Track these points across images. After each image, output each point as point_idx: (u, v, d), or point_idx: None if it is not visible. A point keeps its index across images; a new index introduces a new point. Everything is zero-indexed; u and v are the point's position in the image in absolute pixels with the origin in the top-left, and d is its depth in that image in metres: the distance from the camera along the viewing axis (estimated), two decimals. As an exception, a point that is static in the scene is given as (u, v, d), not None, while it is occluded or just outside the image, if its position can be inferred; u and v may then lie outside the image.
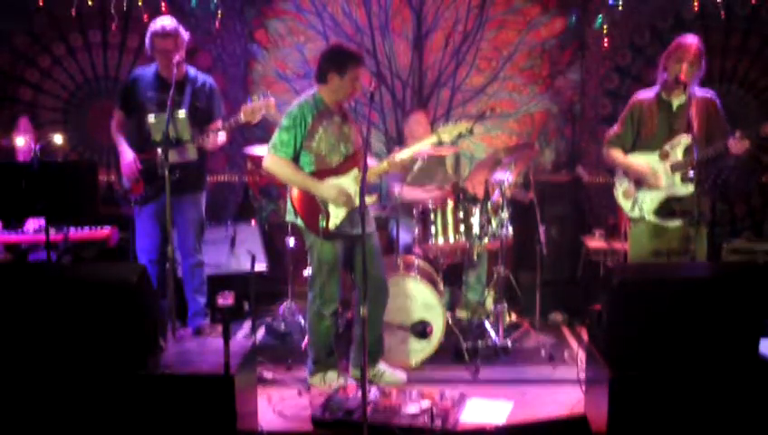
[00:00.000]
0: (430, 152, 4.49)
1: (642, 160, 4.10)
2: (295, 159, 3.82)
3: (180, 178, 4.10)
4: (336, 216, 3.82)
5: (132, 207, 4.53)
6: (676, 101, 4.06)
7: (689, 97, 3.85)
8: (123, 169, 4.40)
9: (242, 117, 4.22)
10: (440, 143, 3.98)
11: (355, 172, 3.83)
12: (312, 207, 3.81)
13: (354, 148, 3.91)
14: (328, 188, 3.78)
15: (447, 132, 3.94)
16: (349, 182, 3.83)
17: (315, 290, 3.92)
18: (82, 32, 5.89)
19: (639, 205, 4.10)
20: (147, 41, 4.34)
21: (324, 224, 3.79)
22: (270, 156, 3.82)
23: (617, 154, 4.21)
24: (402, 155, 3.96)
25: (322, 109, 3.82)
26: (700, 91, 4.03)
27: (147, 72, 4.51)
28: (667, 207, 4.03)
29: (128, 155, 4.39)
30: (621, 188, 4.22)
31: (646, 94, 4.19)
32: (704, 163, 3.85)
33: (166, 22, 4.31)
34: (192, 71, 4.49)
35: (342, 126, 3.88)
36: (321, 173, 3.82)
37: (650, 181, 4.05)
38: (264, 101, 4.24)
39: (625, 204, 4.19)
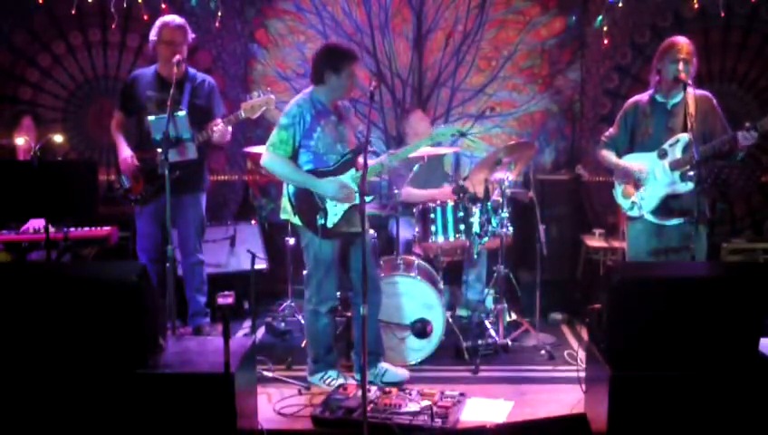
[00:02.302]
0: (430, 153, 4.51)
1: (640, 160, 4.10)
2: (294, 157, 3.83)
3: (180, 177, 4.10)
4: (335, 214, 3.82)
5: (132, 207, 4.53)
6: (671, 101, 4.05)
7: (686, 95, 3.85)
8: (120, 164, 4.41)
9: (242, 113, 4.24)
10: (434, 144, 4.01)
11: (352, 172, 3.84)
12: (311, 206, 3.81)
13: (350, 147, 3.91)
14: (328, 183, 3.79)
15: (441, 134, 4.02)
16: (347, 181, 3.83)
17: (311, 288, 3.93)
18: (82, 30, 5.89)
19: (639, 204, 4.09)
20: (154, 33, 4.37)
21: (323, 222, 3.79)
22: (268, 154, 3.83)
23: (606, 154, 4.23)
24: (399, 155, 3.97)
25: (320, 108, 3.84)
26: (697, 90, 4.02)
27: (146, 72, 4.54)
28: (667, 206, 4.03)
29: (125, 151, 4.40)
30: (620, 188, 4.22)
31: (639, 97, 4.20)
32: (711, 157, 3.84)
33: (176, 17, 4.42)
34: (191, 70, 4.50)
35: (338, 125, 3.89)
36: (319, 172, 3.82)
37: (636, 178, 4.05)
38: (264, 97, 4.25)
39: (624, 203, 4.18)
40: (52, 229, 4.35)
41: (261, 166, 3.91)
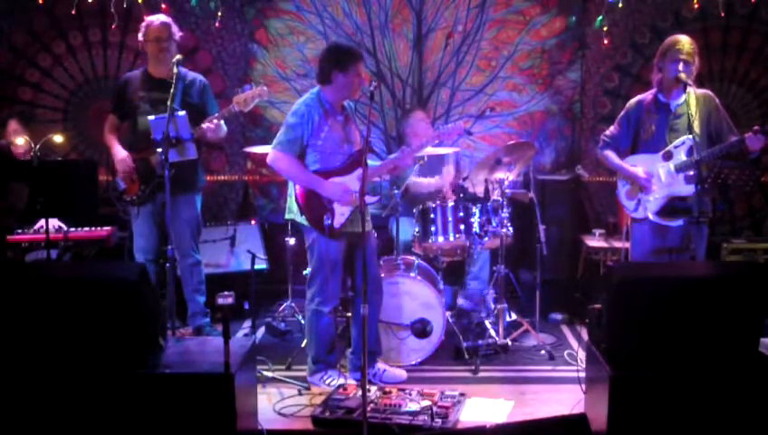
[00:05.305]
0: (430, 152, 4.50)
1: (644, 161, 4.09)
2: (301, 156, 3.83)
3: (175, 177, 4.07)
4: (341, 214, 3.82)
5: (128, 208, 4.52)
6: (675, 101, 4.04)
7: (688, 96, 3.84)
8: (118, 166, 4.40)
9: (234, 106, 4.23)
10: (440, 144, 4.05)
11: (359, 172, 3.84)
12: (318, 206, 3.82)
13: (356, 147, 3.92)
14: (333, 186, 3.80)
15: (446, 133, 4.05)
16: (353, 181, 3.83)
17: (315, 288, 3.92)
18: (82, 30, 5.90)
19: (643, 205, 4.08)
20: (140, 34, 4.41)
21: (330, 222, 3.79)
22: (275, 152, 3.83)
23: (609, 155, 4.21)
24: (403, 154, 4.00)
25: (328, 108, 3.84)
26: (698, 90, 4.01)
27: (135, 73, 4.57)
28: (670, 207, 4.01)
29: (121, 154, 4.40)
30: (624, 189, 4.21)
31: (643, 96, 4.18)
32: (720, 159, 3.84)
33: (161, 15, 4.47)
34: (182, 69, 4.47)
35: (345, 126, 3.90)
36: (326, 172, 3.82)
37: (642, 185, 4.05)
38: (256, 89, 4.24)
39: (628, 204, 4.17)
40: (52, 229, 4.35)
41: (266, 164, 3.91)
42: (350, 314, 4.24)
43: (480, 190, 4.59)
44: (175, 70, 4.13)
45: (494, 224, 4.46)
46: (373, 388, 3.68)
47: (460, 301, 5.14)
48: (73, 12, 5.47)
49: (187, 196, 4.49)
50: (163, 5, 5.34)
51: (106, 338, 2.96)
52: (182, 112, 4.15)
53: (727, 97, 5.63)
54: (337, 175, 3.83)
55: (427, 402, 3.47)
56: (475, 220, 4.45)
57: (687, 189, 3.91)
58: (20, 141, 4.94)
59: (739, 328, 3.03)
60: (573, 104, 5.98)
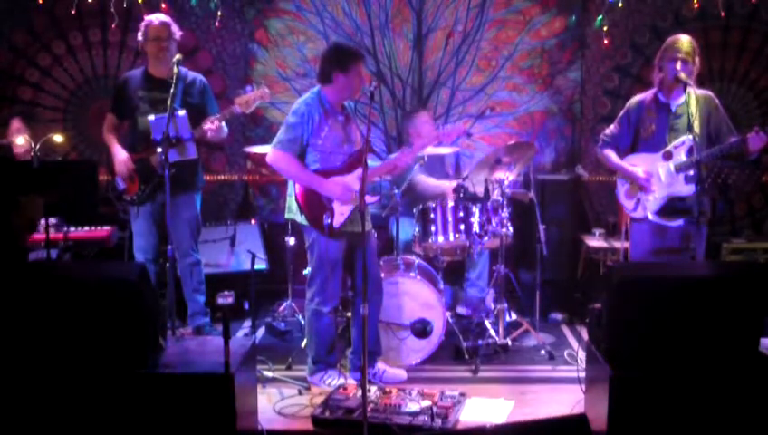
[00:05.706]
0: (430, 152, 4.51)
1: (643, 161, 4.08)
2: (301, 156, 3.83)
3: (175, 177, 4.07)
4: (341, 214, 3.82)
5: (127, 208, 4.52)
6: (675, 101, 4.03)
7: (688, 96, 3.84)
8: (117, 167, 4.40)
9: (236, 108, 4.23)
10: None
11: (359, 171, 3.84)
12: (317, 205, 3.82)
13: (357, 147, 3.92)
14: (333, 184, 3.80)
15: (445, 134, 4.08)
16: (353, 181, 3.83)
17: (314, 288, 3.92)
18: (82, 30, 5.90)
19: (642, 204, 4.08)
20: (140, 33, 4.40)
21: (330, 221, 3.79)
22: (276, 151, 3.82)
23: (609, 154, 4.20)
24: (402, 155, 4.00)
25: (328, 107, 3.85)
26: (699, 90, 4.01)
27: (135, 72, 4.56)
28: (670, 207, 4.01)
29: (121, 154, 4.40)
30: (623, 189, 4.20)
31: (643, 96, 4.17)
32: (720, 159, 3.83)
33: (160, 15, 4.46)
34: (182, 69, 4.47)
35: (345, 125, 3.90)
36: (326, 172, 3.83)
37: (641, 186, 4.04)
38: (258, 91, 4.24)
39: (627, 204, 4.17)
40: (51, 229, 4.35)
41: (266, 164, 3.91)
42: (350, 314, 4.24)
43: (480, 190, 4.59)
44: (175, 70, 4.13)
45: (494, 224, 4.46)
46: (373, 388, 3.67)
47: (459, 309, 5.15)
48: (73, 12, 5.47)
49: (187, 196, 4.49)
50: (163, 5, 5.34)
51: (106, 338, 2.96)
52: (182, 112, 4.15)
53: (727, 97, 5.64)
54: (337, 175, 3.83)
55: (427, 403, 3.47)
56: (475, 220, 4.45)
57: (687, 189, 3.90)
58: (20, 141, 4.94)
59: (739, 328, 3.03)
60: (573, 104, 5.99)
